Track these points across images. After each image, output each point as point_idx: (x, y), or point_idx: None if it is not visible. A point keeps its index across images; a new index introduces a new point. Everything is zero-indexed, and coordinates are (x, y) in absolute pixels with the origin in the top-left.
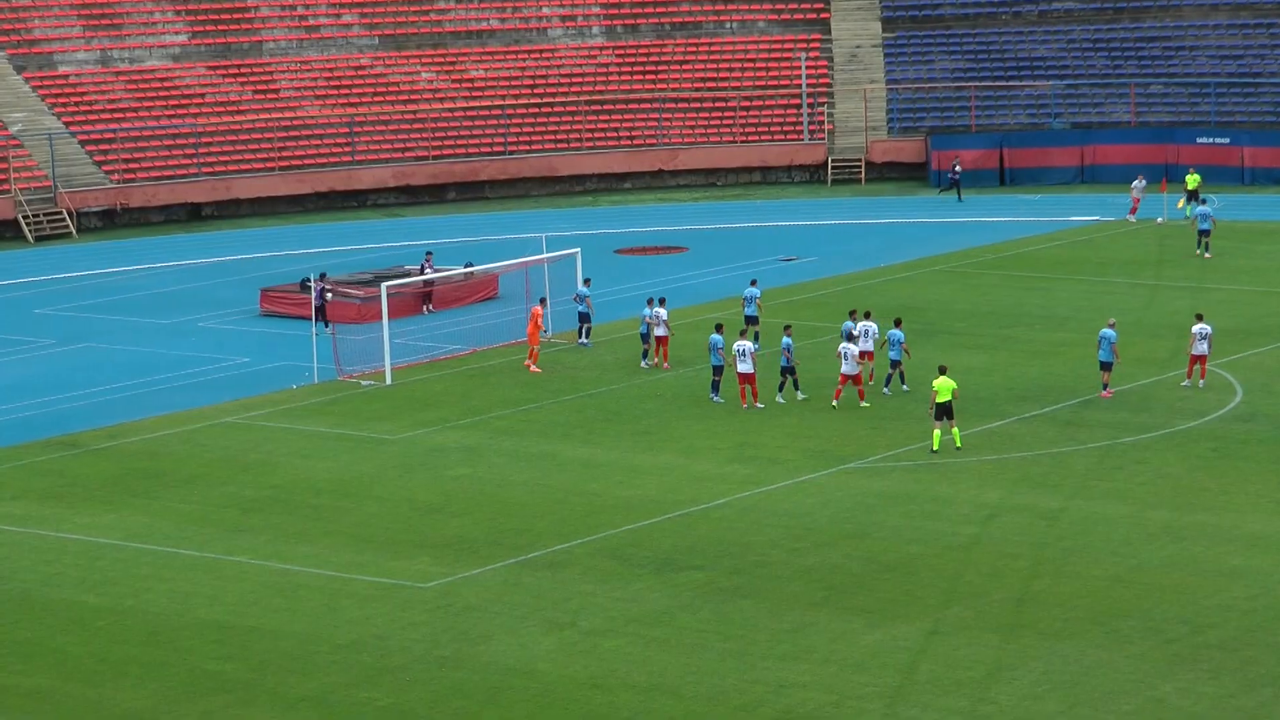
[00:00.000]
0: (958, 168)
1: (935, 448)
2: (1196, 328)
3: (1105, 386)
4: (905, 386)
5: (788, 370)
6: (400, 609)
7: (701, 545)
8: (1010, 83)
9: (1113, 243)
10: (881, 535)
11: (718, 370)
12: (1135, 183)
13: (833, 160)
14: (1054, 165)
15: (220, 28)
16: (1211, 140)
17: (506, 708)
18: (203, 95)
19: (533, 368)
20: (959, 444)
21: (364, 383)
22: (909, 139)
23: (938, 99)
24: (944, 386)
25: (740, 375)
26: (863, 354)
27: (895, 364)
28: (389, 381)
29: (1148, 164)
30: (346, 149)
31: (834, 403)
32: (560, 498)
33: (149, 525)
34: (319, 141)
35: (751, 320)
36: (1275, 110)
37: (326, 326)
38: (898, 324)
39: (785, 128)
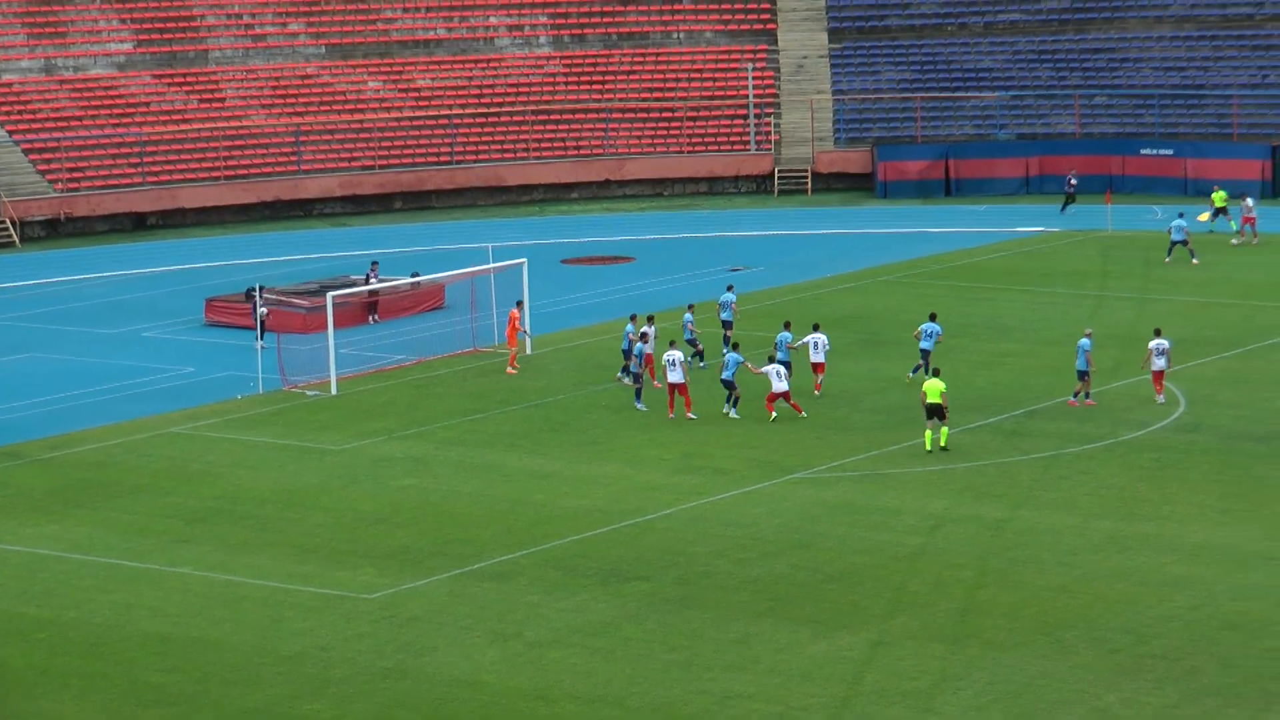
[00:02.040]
0: (1073, 180)
1: (928, 448)
2: (1153, 343)
3: (1076, 395)
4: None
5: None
6: (345, 620)
7: (647, 556)
8: (956, 94)
9: (1057, 253)
10: (827, 545)
11: (636, 378)
12: (1246, 201)
13: (779, 170)
14: (999, 176)
15: (166, 36)
16: (1155, 151)
17: (451, 719)
18: (148, 104)
19: (510, 370)
20: (944, 445)
21: (309, 393)
22: (855, 149)
23: (884, 109)
24: (933, 388)
25: (670, 385)
26: (815, 366)
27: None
28: (334, 392)
29: (1093, 174)
30: (292, 158)
31: (772, 416)
32: (506, 508)
33: (92, 536)
34: (265, 151)
35: (727, 325)
36: (1218, 122)
37: (261, 340)
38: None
39: (732, 138)
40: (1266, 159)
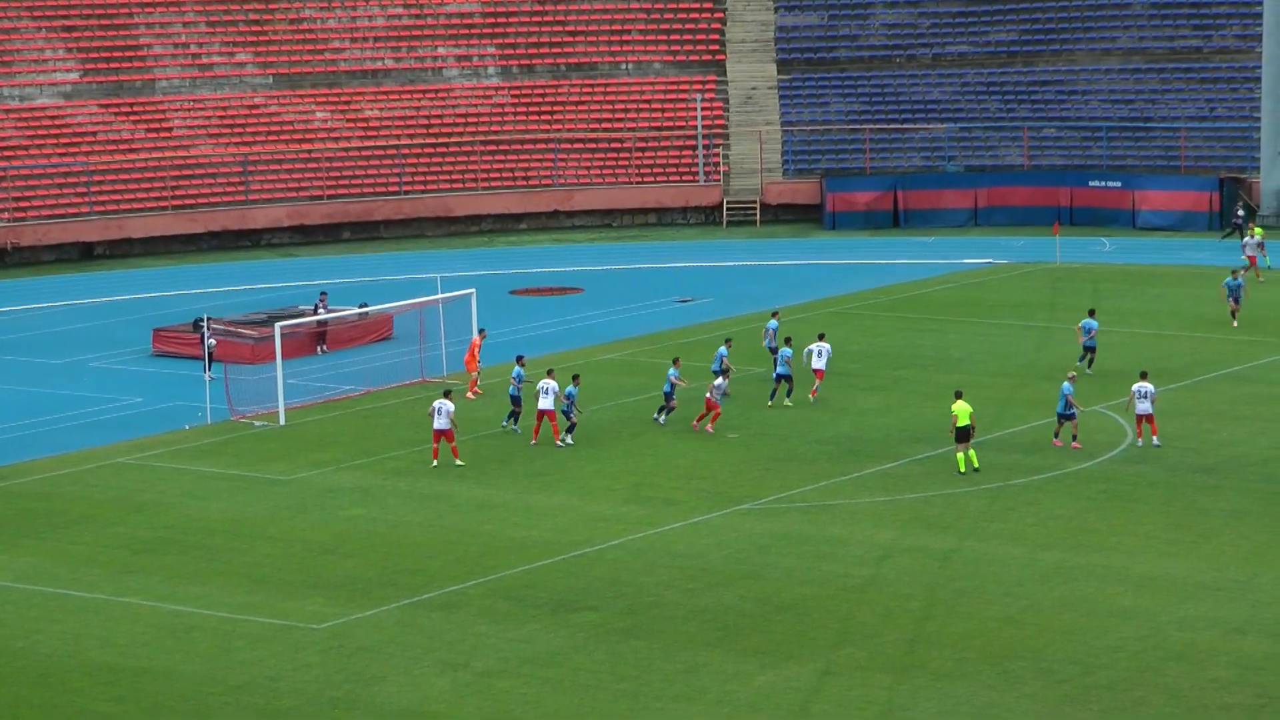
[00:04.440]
0: (1241, 211)
1: (961, 469)
2: (1137, 386)
3: (1057, 435)
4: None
5: (566, 413)
6: (293, 650)
7: (596, 586)
8: (905, 125)
9: (1005, 285)
10: (775, 576)
11: (516, 401)
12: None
13: (728, 202)
14: (947, 208)
15: (112, 65)
16: (1103, 184)
17: None
18: (94, 134)
19: (470, 395)
20: (977, 466)
21: (257, 423)
22: (804, 181)
23: (833, 141)
24: (962, 411)
25: (539, 411)
26: (816, 372)
27: (781, 379)
28: (282, 422)
29: (1041, 206)
30: (240, 188)
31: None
32: (455, 538)
33: (39, 566)
34: (212, 181)
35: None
36: (1166, 154)
37: (210, 371)
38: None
39: (681, 169)
40: (1214, 191)
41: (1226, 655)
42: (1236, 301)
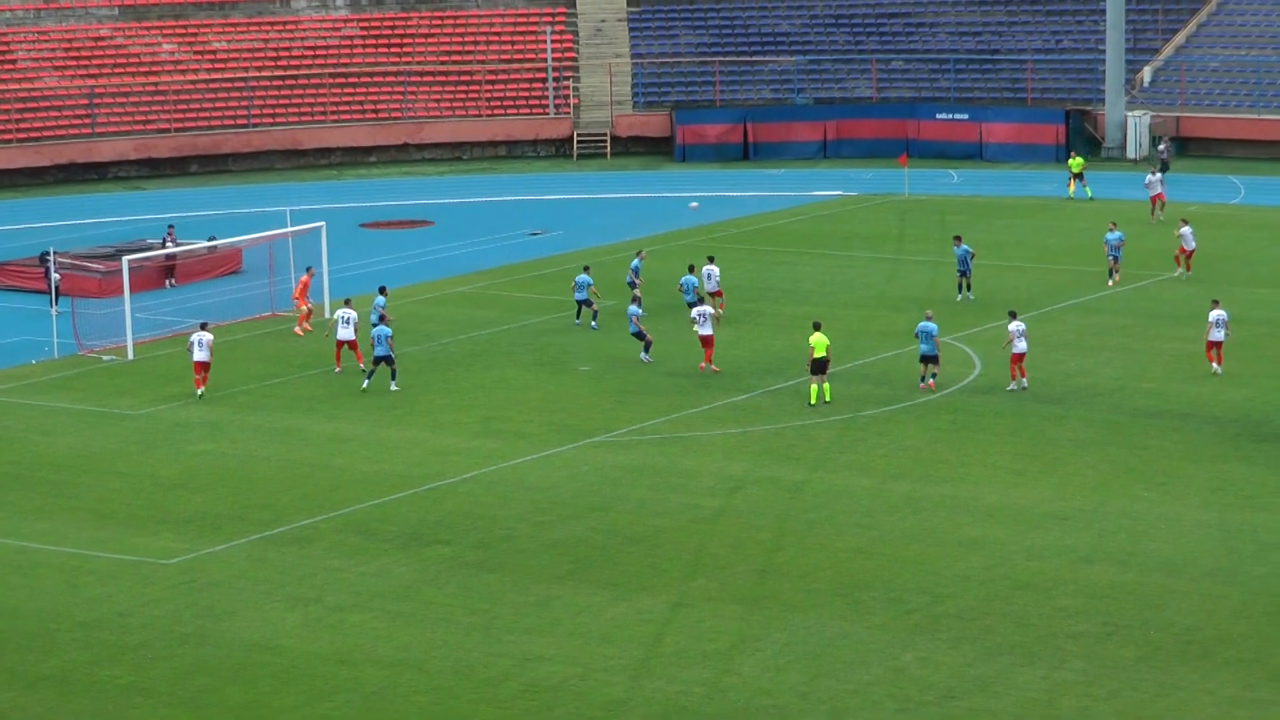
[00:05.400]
0: (1163, 147)
1: (812, 401)
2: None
3: (924, 379)
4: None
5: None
6: (142, 586)
7: (448, 520)
8: (754, 58)
9: (855, 217)
10: (626, 508)
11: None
12: (1149, 177)
13: (578, 134)
14: (797, 140)
15: None
16: (951, 116)
17: (250, 684)
18: None
19: (298, 330)
20: (829, 398)
21: (105, 358)
22: (654, 113)
23: (683, 74)
24: (819, 343)
25: (339, 341)
26: (715, 294)
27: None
28: (130, 356)
29: (889, 139)
30: (86, 121)
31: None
32: (305, 473)
33: None
34: (58, 113)
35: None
36: (1012, 86)
37: (56, 305)
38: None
39: (531, 102)
40: (1060, 123)
41: (1074, 584)
42: (1117, 260)
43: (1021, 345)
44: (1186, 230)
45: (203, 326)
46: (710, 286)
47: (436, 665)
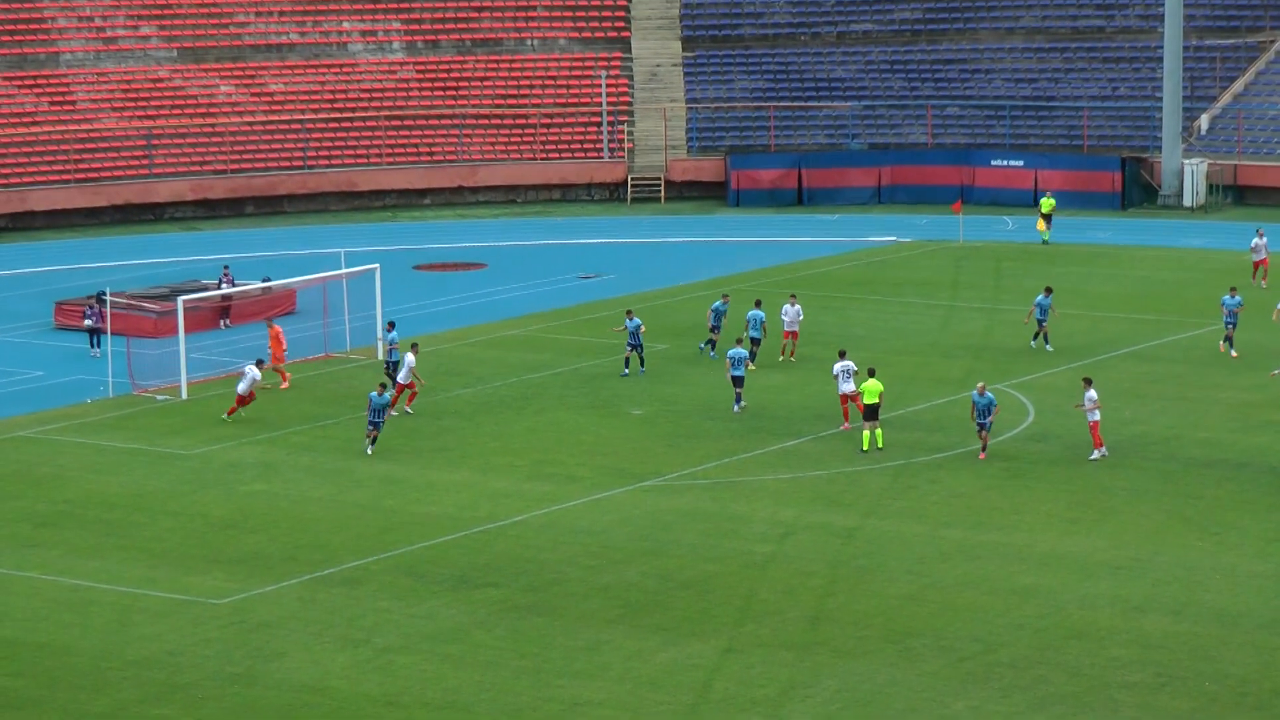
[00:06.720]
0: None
1: (865, 448)
2: (1087, 395)
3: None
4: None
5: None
6: (193, 625)
7: (498, 562)
8: (809, 103)
9: (908, 263)
10: (678, 553)
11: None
12: (1256, 240)
13: (632, 179)
14: (851, 185)
15: (16, 38)
16: (1005, 163)
17: None
18: None
19: (285, 386)
20: (880, 444)
21: (159, 397)
22: (708, 158)
23: (737, 118)
24: (871, 389)
25: (399, 385)
26: (787, 333)
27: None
28: (184, 396)
29: (943, 185)
30: (143, 162)
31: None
32: (356, 514)
33: None
34: (115, 154)
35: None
36: (1068, 133)
37: (94, 348)
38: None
39: (585, 145)
40: (1116, 170)
41: (1126, 634)
42: (1233, 326)
43: (1094, 415)
44: (1261, 242)
45: (258, 364)
46: (788, 324)
47: (485, 708)
